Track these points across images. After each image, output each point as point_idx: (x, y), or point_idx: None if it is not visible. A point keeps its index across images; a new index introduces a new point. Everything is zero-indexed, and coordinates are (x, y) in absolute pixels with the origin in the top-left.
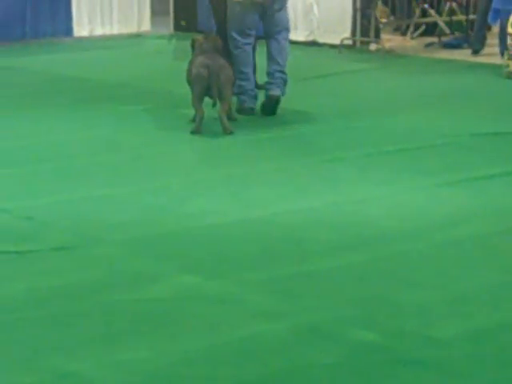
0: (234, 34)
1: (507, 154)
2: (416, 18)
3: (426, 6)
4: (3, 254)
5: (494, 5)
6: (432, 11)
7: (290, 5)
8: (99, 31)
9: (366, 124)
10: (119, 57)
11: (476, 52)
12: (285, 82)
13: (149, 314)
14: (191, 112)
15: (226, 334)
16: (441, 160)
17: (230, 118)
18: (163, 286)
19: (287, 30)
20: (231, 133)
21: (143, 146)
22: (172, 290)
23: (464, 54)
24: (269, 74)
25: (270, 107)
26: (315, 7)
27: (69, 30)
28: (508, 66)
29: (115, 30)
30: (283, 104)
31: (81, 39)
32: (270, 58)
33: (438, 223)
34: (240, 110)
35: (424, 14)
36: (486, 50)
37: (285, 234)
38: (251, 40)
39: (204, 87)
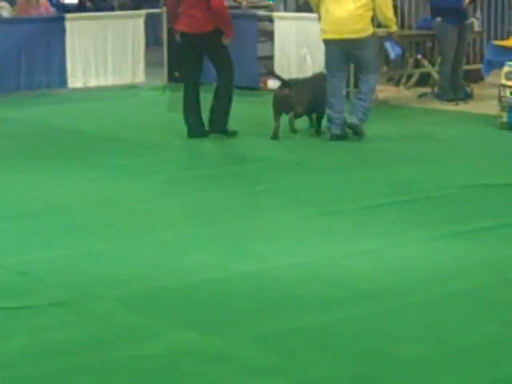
0: (327, 70)
1: (502, 205)
2: (409, 69)
3: (418, 56)
4: None
5: (486, 56)
6: (425, 61)
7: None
8: (93, 82)
9: (361, 176)
10: (113, 108)
11: (451, 101)
12: (365, 108)
13: (145, 371)
14: (187, 165)
15: None
16: (436, 212)
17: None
18: (159, 342)
19: (369, 67)
20: (295, 132)
21: (138, 199)
22: (168, 346)
23: (457, 105)
24: (352, 102)
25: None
26: (308, 58)
27: (63, 82)
28: (501, 116)
29: (109, 81)
30: (277, 156)
31: (75, 90)
32: (357, 90)
33: (433, 277)
34: (330, 137)
35: (417, 64)
36: (480, 100)
37: (281, 288)
38: (339, 76)
39: (276, 102)
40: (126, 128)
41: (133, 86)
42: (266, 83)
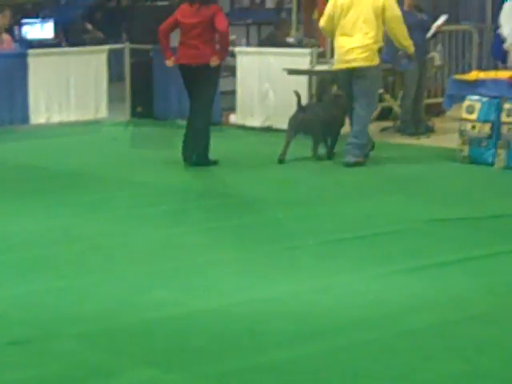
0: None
1: (463, 240)
2: None
3: (380, 90)
4: None
5: (447, 90)
6: (387, 96)
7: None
8: (56, 118)
9: (322, 211)
10: (76, 144)
11: (413, 135)
12: (358, 145)
13: None
14: (150, 201)
15: None
16: (397, 247)
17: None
18: (122, 380)
19: (364, 97)
20: (319, 159)
21: (100, 236)
22: None
23: (419, 139)
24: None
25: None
26: (271, 93)
27: (25, 118)
28: (462, 150)
29: (72, 116)
30: (234, 192)
31: (38, 127)
32: (351, 130)
33: (394, 312)
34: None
35: (379, 98)
36: (441, 134)
37: (242, 325)
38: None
39: (290, 126)
40: (88, 164)
41: (96, 122)
42: (227, 118)
